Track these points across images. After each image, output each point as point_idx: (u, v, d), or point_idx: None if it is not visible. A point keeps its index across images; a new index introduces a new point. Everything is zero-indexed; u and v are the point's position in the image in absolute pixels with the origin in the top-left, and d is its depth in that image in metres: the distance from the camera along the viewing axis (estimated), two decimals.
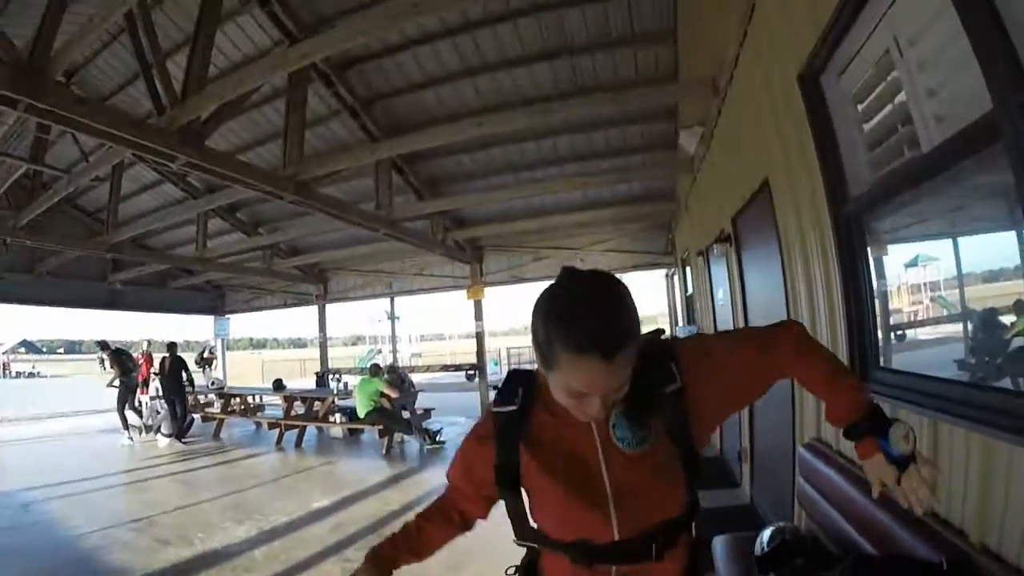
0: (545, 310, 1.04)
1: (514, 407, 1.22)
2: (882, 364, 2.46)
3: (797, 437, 3.34)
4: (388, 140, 7.34)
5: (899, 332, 2.68)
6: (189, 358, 11.57)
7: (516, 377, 1.30)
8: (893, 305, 2.63)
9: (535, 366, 1.21)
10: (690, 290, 9.12)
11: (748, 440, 4.73)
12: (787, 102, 2.90)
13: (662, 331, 1.27)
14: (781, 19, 2.83)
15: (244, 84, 4.73)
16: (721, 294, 5.68)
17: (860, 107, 2.46)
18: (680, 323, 11.54)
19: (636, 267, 11.86)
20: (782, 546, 2.30)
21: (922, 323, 2.66)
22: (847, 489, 2.32)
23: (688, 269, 9.02)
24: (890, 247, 2.64)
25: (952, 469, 1.78)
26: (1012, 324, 2.04)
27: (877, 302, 2.48)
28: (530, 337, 1.07)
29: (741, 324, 4.74)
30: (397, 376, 9.91)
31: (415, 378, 11.32)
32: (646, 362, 1.12)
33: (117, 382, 10.61)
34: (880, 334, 2.49)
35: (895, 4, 1.95)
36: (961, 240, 2.33)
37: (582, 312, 0.99)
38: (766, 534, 2.42)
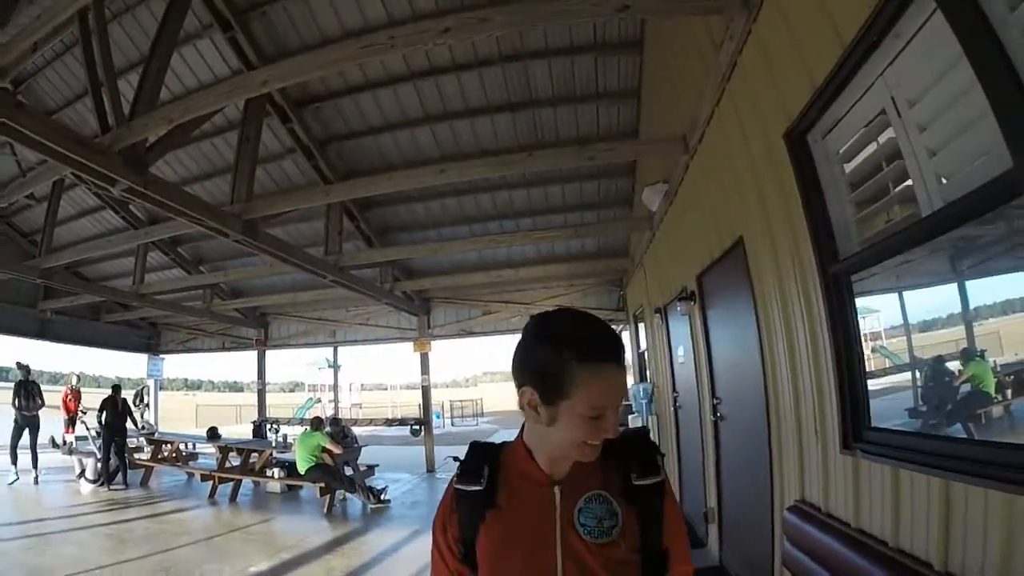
0: (552, 335, 1.09)
1: (479, 487, 1.17)
2: (872, 425, 2.39)
3: (776, 499, 3.24)
4: (343, 183, 7.16)
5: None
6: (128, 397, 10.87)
7: (480, 454, 1.25)
8: None
9: (490, 437, 1.22)
10: (643, 347, 9.12)
11: (716, 500, 4.62)
12: (769, 160, 2.90)
13: (647, 429, 1.30)
14: (766, 77, 2.84)
15: (196, 108, 4.50)
16: (682, 352, 5.65)
17: (847, 166, 2.46)
18: (631, 380, 11.53)
19: None
20: None
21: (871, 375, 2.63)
22: (844, 552, 2.25)
23: (641, 326, 9.05)
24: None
25: (968, 528, 1.70)
26: (959, 371, 2.06)
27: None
28: (512, 383, 1.14)
29: (706, 382, 4.69)
30: (340, 430, 9.47)
31: (357, 431, 10.87)
32: (628, 449, 1.17)
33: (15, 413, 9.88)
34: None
35: (895, 65, 1.96)
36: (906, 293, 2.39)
37: (588, 325, 1.10)
38: None
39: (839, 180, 2.49)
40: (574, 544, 1.09)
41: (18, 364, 10.45)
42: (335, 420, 10.54)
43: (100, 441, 9.78)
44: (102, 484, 9.46)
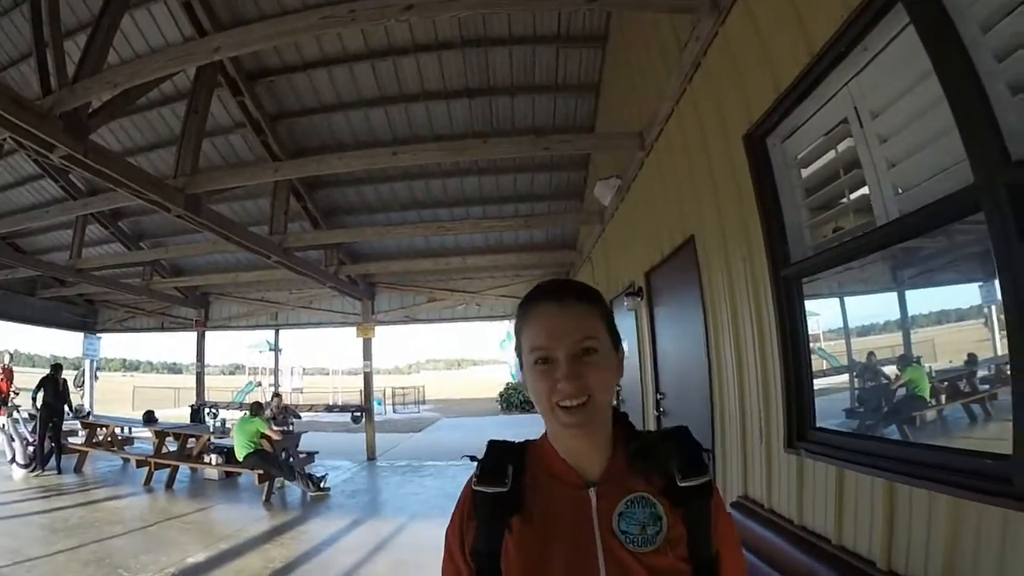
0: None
1: (503, 488, 1.02)
2: (816, 424, 2.45)
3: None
4: (293, 160, 6.95)
5: None
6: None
7: (503, 450, 1.10)
8: None
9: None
10: None
11: None
12: (727, 161, 2.94)
13: (687, 427, 1.13)
14: (730, 79, 2.87)
15: (144, 73, 4.23)
16: (626, 347, 5.68)
17: (804, 172, 2.50)
18: None
19: None
20: None
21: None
22: (787, 549, 2.29)
23: None
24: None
25: (912, 529, 1.76)
26: (897, 376, 2.17)
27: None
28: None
29: (650, 378, 4.76)
30: (288, 414, 9.31)
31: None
32: (668, 443, 1.04)
33: None
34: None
35: (860, 77, 2.01)
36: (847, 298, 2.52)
37: (543, 284, 1.05)
38: None
39: (795, 185, 2.54)
40: (617, 553, 0.96)
41: None
42: (284, 407, 10.35)
43: (33, 424, 9.38)
44: (34, 469, 9.07)
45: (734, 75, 2.83)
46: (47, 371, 9.86)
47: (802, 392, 2.46)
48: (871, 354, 2.33)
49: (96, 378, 16.24)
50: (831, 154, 2.30)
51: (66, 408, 9.80)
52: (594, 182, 6.55)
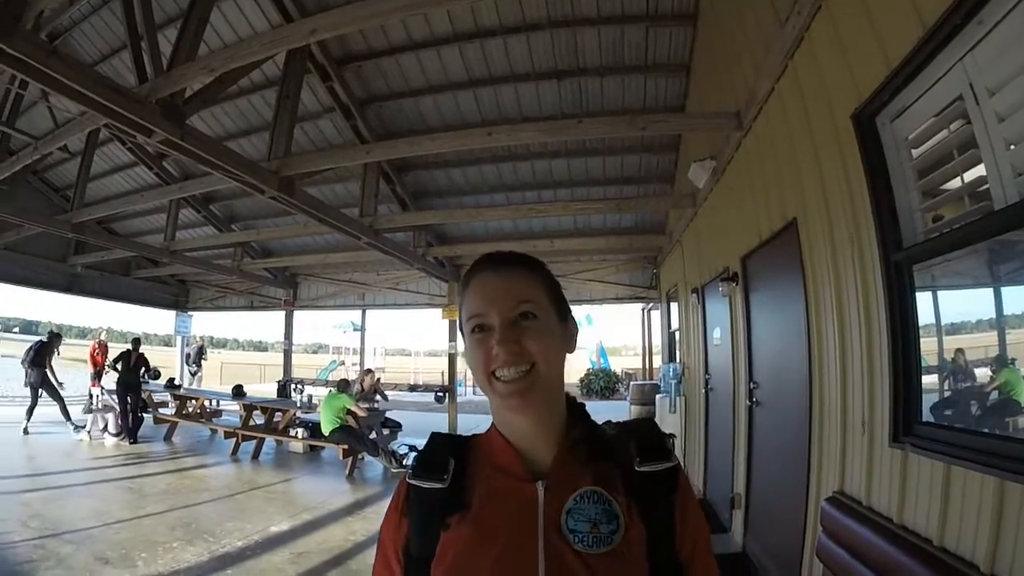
0: None
1: (441, 484, 0.92)
2: (925, 419, 2.33)
3: (812, 489, 3.21)
4: (385, 142, 7.10)
5: None
6: (147, 351, 10.96)
7: (443, 444, 1.00)
8: None
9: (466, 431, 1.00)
10: (674, 326, 9.04)
11: (744, 485, 4.59)
12: (833, 141, 2.81)
13: (650, 419, 1.06)
14: (835, 57, 2.74)
15: (239, 58, 4.39)
16: (718, 333, 5.58)
17: (915, 153, 2.37)
18: (658, 360, 11.49)
19: (619, 299, 11.80)
20: None
21: None
22: (885, 547, 2.22)
23: (674, 305, 8.96)
24: None
25: (1021, 532, 1.66)
26: (991, 378, 2.09)
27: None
28: None
29: (743, 366, 4.63)
30: (378, 391, 9.68)
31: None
32: (627, 433, 0.96)
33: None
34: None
35: (975, 51, 1.88)
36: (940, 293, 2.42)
37: (481, 256, 0.99)
38: None
39: (906, 166, 2.40)
40: (563, 555, 0.84)
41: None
42: (376, 380, 10.70)
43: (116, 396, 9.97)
44: (123, 438, 9.62)
45: (840, 51, 2.69)
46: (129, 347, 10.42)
47: (911, 384, 2.34)
48: (959, 351, 2.25)
49: (205, 356, 17.33)
50: (944, 134, 2.16)
51: (145, 377, 10.31)
52: (684, 165, 6.41)
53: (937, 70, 2.04)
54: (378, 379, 11.18)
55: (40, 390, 10.13)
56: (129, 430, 9.69)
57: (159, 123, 4.52)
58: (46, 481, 6.82)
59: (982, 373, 2.17)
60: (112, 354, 10.77)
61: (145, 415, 10.56)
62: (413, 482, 0.94)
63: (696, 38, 5.96)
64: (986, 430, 2.07)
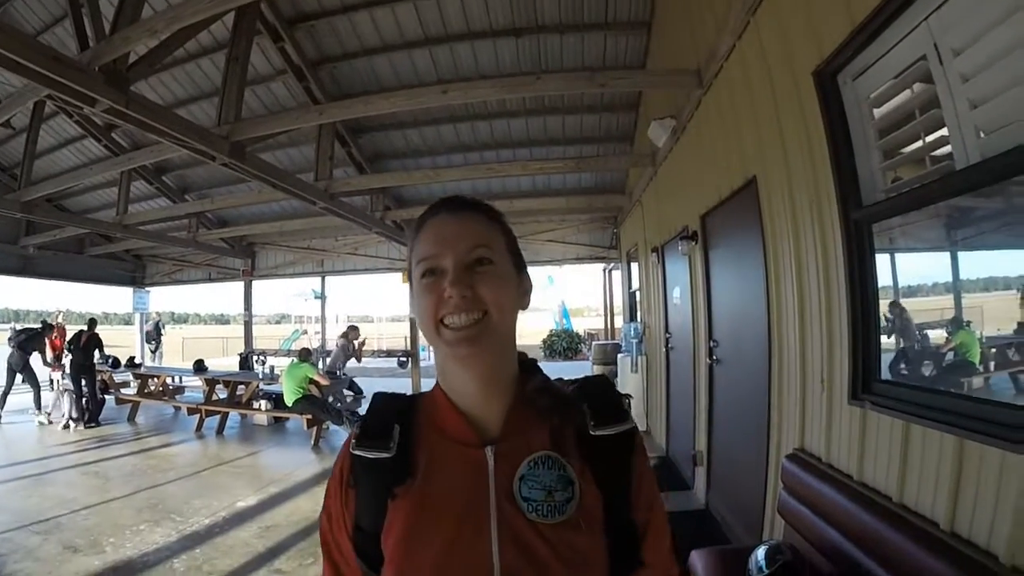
0: None
1: (387, 454, 0.85)
2: (883, 378, 2.37)
3: (773, 446, 3.27)
4: (338, 102, 6.87)
5: None
6: (107, 331, 10.63)
7: (386, 407, 0.94)
8: None
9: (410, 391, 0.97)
10: (635, 286, 9.11)
11: (706, 443, 4.68)
12: (795, 98, 2.79)
13: (604, 376, 0.98)
14: (798, 13, 2.70)
15: (183, 18, 4.10)
16: (678, 292, 5.63)
17: (877, 112, 2.36)
18: (620, 320, 11.60)
19: (579, 259, 11.85)
20: (784, 568, 2.18)
21: None
22: (845, 504, 2.26)
23: (635, 265, 9.01)
24: None
25: (981, 489, 1.70)
26: (947, 339, 2.12)
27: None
28: None
29: (703, 324, 4.68)
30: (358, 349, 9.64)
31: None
32: (581, 393, 0.91)
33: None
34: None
35: (942, 10, 1.85)
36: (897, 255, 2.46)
37: (438, 200, 0.93)
38: (760, 553, 2.30)
39: (867, 125, 2.39)
40: (516, 525, 0.80)
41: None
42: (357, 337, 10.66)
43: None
44: (79, 422, 9.33)
45: (803, 7, 2.65)
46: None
47: (869, 342, 2.37)
48: (894, 303, 2.33)
49: (163, 332, 16.96)
50: (906, 94, 2.15)
51: (98, 358, 9.99)
52: (645, 124, 6.36)
53: (901, 28, 2.01)
54: (364, 339, 11.10)
55: (18, 374, 9.80)
56: (86, 413, 9.41)
57: (102, 91, 4.28)
58: (10, 472, 6.63)
59: (938, 334, 2.21)
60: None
61: (106, 396, 10.29)
62: (357, 452, 0.88)
63: None
64: (943, 389, 2.11)
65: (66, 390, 9.58)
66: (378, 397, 0.96)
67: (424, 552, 0.80)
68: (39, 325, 10.51)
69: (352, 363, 10.67)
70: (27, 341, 9.80)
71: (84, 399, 9.41)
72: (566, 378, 0.98)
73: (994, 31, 1.65)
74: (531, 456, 0.84)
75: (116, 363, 11.14)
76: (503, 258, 0.88)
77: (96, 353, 9.84)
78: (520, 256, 0.95)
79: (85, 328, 9.95)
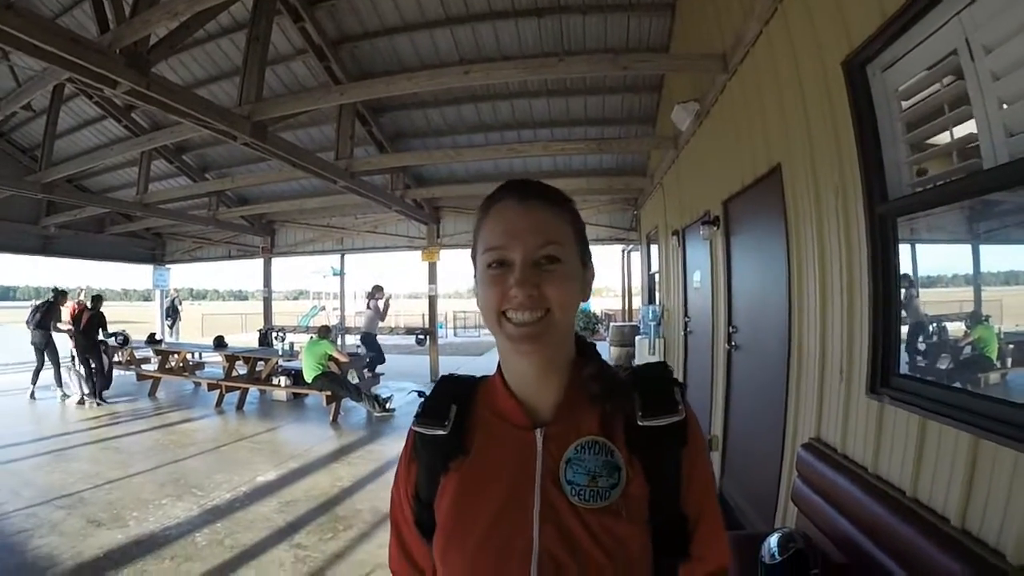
0: None
1: (442, 431, 0.91)
2: (902, 372, 2.38)
3: (789, 435, 3.29)
4: (359, 82, 6.88)
5: None
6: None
7: (449, 389, 0.99)
8: None
9: (493, 351, 0.99)
10: (654, 268, 9.09)
11: (722, 428, 4.71)
12: (822, 87, 2.76)
13: (663, 362, 0.98)
14: (827, 1, 2.66)
15: (202, 0, 4.14)
16: (698, 276, 5.62)
17: (905, 105, 2.33)
18: (638, 301, 11.58)
19: (599, 240, 11.77)
20: (797, 556, 2.21)
21: None
22: (859, 496, 2.28)
23: (654, 247, 8.99)
24: None
25: (993, 488, 1.71)
26: (966, 333, 2.11)
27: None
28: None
29: (723, 310, 4.68)
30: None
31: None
32: (635, 379, 0.90)
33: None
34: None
35: (974, 6, 1.82)
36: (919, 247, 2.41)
37: (506, 183, 0.92)
38: (773, 540, 2.33)
39: (895, 118, 2.37)
40: (558, 508, 0.82)
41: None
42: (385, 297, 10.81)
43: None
44: (92, 398, 9.35)
45: None
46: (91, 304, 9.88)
47: (890, 336, 2.38)
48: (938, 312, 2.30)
49: (180, 308, 17.20)
50: (936, 88, 2.12)
51: (102, 337, 9.80)
52: (667, 106, 6.32)
53: (933, 22, 1.99)
54: (389, 296, 11.22)
55: (44, 352, 9.82)
56: (96, 390, 9.39)
57: (123, 73, 4.30)
58: (32, 448, 6.74)
59: (956, 327, 2.20)
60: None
61: (113, 372, 10.18)
62: (418, 429, 0.94)
63: None
64: (961, 386, 2.11)
65: (72, 369, 9.64)
66: (443, 379, 1.02)
67: (470, 524, 0.85)
68: (50, 297, 10.39)
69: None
70: (44, 317, 9.78)
71: (93, 376, 9.40)
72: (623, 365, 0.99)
73: None
74: (579, 440, 0.86)
75: (125, 340, 11.13)
76: (571, 252, 0.88)
77: (100, 332, 9.73)
78: (587, 245, 0.94)
79: (88, 306, 9.81)
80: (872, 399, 2.40)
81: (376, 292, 10.98)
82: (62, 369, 9.77)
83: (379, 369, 10.53)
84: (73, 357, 9.72)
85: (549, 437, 0.87)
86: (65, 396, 9.58)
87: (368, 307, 11.10)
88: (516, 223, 0.85)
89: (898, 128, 2.35)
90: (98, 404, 9.20)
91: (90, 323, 9.51)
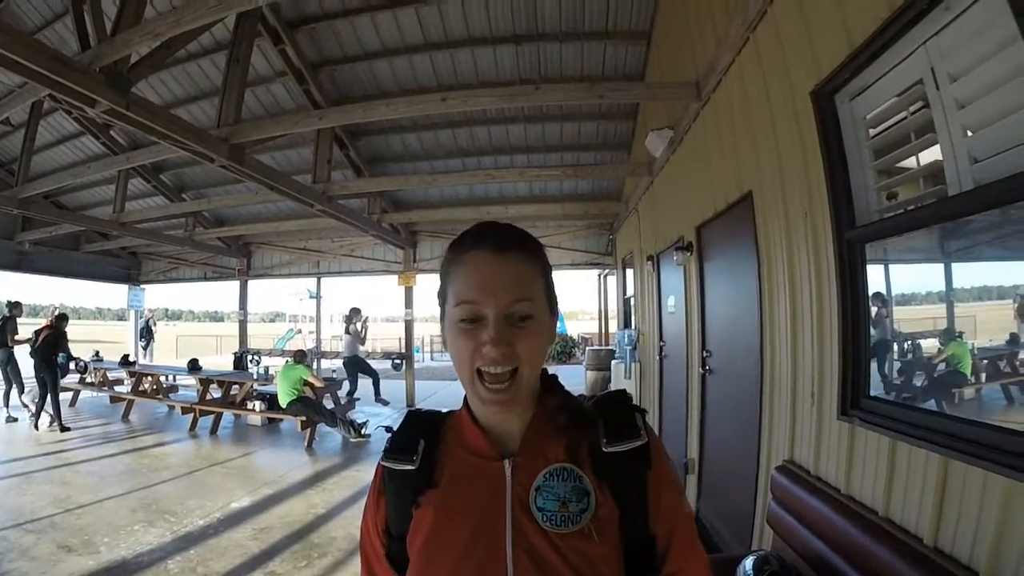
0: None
1: (411, 466, 0.92)
2: (871, 394, 2.41)
3: (763, 457, 3.31)
4: (338, 107, 6.91)
5: None
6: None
7: (415, 423, 0.99)
8: None
9: (450, 397, 1.01)
10: (629, 293, 9.15)
11: (697, 451, 4.72)
12: (792, 116, 2.82)
13: (623, 391, 1.01)
14: (797, 32, 2.74)
15: (185, 22, 4.11)
16: (672, 301, 5.67)
17: (872, 132, 2.39)
18: (614, 325, 11.63)
19: (575, 264, 11.86)
20: None
21: None
22: (832, 517, 2.28)
23: (630, 271, 9.05)
24: None
25: (964, 507, 1.73)
26: (939, 350, 2.13)
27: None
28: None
29: (696, 334, 4.72)
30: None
31: (338, 364, 11.01)
32: (599, 409, 0.93)
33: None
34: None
35: (940, 36, 1.88)
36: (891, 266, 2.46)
37: (479, 227, 0.91)
38: (749, 562, 2.33)
39: (863, 145, 2.43)
40: (530, 535, 0.83)
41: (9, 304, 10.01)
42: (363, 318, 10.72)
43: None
44: (54, 422, 8.86)
45: (803, 27, 2.69)
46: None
47: (859, 360, 2.41)
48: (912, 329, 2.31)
49: (154, 329, 16.89)
50: (903, 115, 2.18)
51: (61, 361, 9.20)
52: (642, 133, 6.42)
53: (900, 52, 2.05)
54: (367, 318, 11.12)
55: (6, 369, 9.51)
56: (54, 414, 8.89)
57: (103, 92, 4.28)
58: (4, 469, 6.58)
59: (930, 344, 2.24)
60: (75, 332, 10.10)
61: (81, 395, 9.82)
62: (386, 464, 0.95)
63: (658, 5, 5.91)
64: (931, 407, 2.14)
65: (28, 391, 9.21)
66: (409, 414, 1.02)
67: (443, 558, 0.85)
68: (6, 311, 9.99)
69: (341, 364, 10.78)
70: (1, 333, 9.40)
71: (43, 400, 8.87)
72: (586, 394, 1.01)
73: (991, 60, 1.68)
74: (547, 468, 0.88)
75: (85, 367, 10.79)
76: (542, 306, 0.89)
77: (60, 355, 9.17)
78: (554, 294, 0.95)
79: (48, 324, 9.33)
80: (843, 421, 2.42)
81: (354, 316, 10.90)
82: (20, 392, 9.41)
83: (356, 394, 10.44)
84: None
85: (517, 467, 0.89)
86: (10, 419, 9.21)
87: (348, 331, 11.01)
88: (490, 278, 0.85)
89: (866, 155, 2.41)
90: (61, 430, 8.73)
91: (46, 341, 9.08)
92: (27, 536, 4.63)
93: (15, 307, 10.02)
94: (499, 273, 0.85)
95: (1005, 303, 1.78)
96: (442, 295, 0.92)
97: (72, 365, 10.01)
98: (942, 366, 2.13)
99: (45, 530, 4.76)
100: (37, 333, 9.24)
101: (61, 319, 9.55)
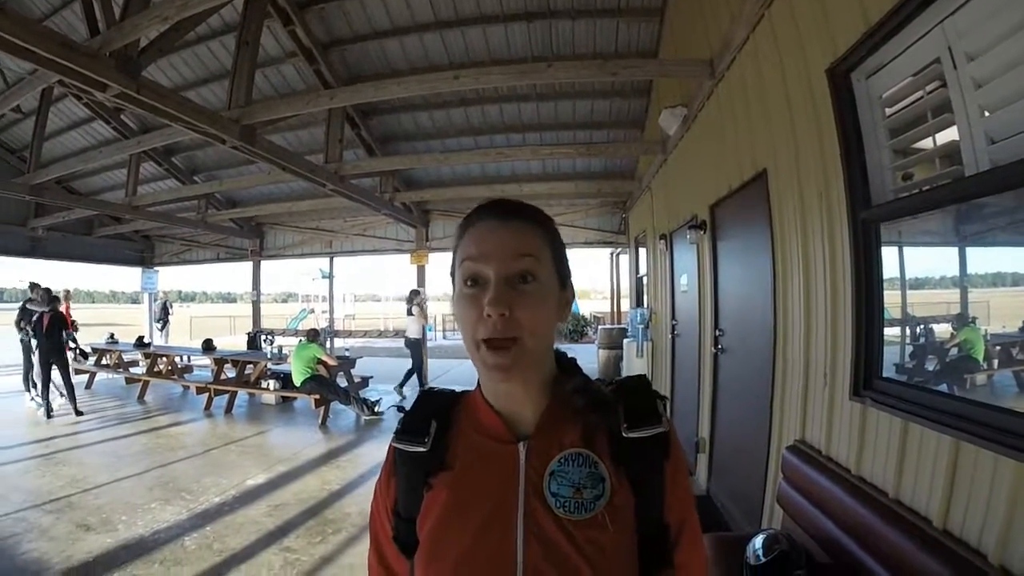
0: None
1: (423, 448, 0.90)
2: (884, 375, 2.41)
3: (774, 437, 3.32)
4: (349, 87, 6.87)
5: None
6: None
7: (427, 404, 0.98)
8: None
9: (463, 375, 1.00)
10: (642, 271, 9.12)
11: (709, 430, 4.74)
12: (807, 94, 2.79)
13: (643, 375, 0.99)
14: (813, 9, 2.70)
15: (194, 5, 4.10)
16: (685, 280, 5.65)
17: (888, 111, 2.37)
18: (626, 303, 11.62)
19: (588, 243, 11.83)
20: (781, 557, 2.23)
21: None
22: (843, 497, 2.31)
23: (642, 250, 9.02)
24: None
25: (974, 490, 1.74)
26: (952, 334, 2.12)
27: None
28: None
29: (709, 313, 4.71)
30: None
31: (350, 342, 10.99)
32: (618, 393, 0.91)
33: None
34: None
35: (958, 15, 1.85)
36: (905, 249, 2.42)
37: (489, 201, 0.92)
38: (758, 541, 2.35)
39: (879, 124, 2.40)
40: (542, 521, 0.82)
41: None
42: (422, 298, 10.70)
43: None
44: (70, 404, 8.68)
45: (818, 3, 2.65)
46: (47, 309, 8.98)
47: (872, 340, 2.40)
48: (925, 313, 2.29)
49: (170, 311, 17.05)
50: (919, 95, 2.15)
51: (65, 339, 8.94)
52: (656, 110, 6.36)
53: (916, 30, 2.02)
54: (425, 298, 11.10)
55: (28, 353, 9.40)
56: (68, 399, 8.70)
57: (113, 77, 4.31)
58: (20, 452, 6.66)
59: (943, 329, 2.23)
60: (84, 315, 10.02)
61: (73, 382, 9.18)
62: (397, 445, 0.93)
63: None
64: (943, 389, 2.13)
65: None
66: (422, 394, 1.01)
67: (453, 541, 0.84)
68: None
69: (356, 343, 10.76)
70: (19, 317, 9.34)
71: (47, 386, 8.60)
72: (604, 379, 0.99)
73: (1008, 40, 1.65)
74: (562, 453, 0.86)
75: (84, 355, 10.87)
76: (548, 272, 0.87)
77: (63, 334, 8.83)
78: (566, 265, 0.93)
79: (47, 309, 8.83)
80: (855, 402, 2.43)
81: (414, 296, 10.77)
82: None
83: (368, 372, 10.46)
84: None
85: (532, 450, 0.87)
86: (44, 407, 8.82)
87: (410, 312, 10.71)
88: (492, 238, 0.85)
89: (882, 134, 2.38)
90: (76, 414, 8.52)
91: (52, 327, 8.67)
92: (46, 516, 4.71)
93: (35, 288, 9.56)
94: (503, 234, 0.86)
95: (1020, 289, 1.77)
96: (452, 271, 0.92)
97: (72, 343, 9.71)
98: (954, 351, 2.13)
99: (63, 510, 4.84)
100: (39, 320, 8.76)
101: (54, 300, 9.03)
